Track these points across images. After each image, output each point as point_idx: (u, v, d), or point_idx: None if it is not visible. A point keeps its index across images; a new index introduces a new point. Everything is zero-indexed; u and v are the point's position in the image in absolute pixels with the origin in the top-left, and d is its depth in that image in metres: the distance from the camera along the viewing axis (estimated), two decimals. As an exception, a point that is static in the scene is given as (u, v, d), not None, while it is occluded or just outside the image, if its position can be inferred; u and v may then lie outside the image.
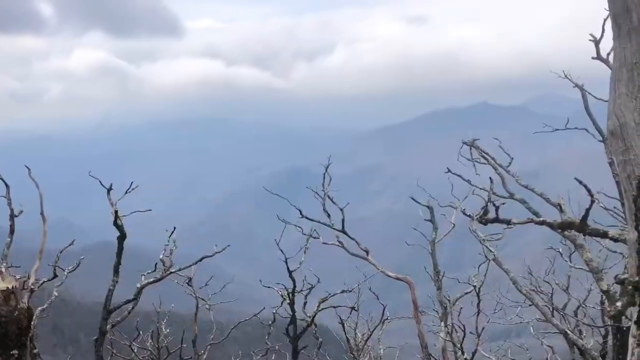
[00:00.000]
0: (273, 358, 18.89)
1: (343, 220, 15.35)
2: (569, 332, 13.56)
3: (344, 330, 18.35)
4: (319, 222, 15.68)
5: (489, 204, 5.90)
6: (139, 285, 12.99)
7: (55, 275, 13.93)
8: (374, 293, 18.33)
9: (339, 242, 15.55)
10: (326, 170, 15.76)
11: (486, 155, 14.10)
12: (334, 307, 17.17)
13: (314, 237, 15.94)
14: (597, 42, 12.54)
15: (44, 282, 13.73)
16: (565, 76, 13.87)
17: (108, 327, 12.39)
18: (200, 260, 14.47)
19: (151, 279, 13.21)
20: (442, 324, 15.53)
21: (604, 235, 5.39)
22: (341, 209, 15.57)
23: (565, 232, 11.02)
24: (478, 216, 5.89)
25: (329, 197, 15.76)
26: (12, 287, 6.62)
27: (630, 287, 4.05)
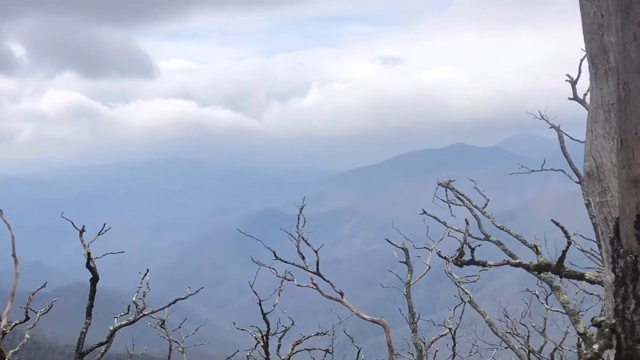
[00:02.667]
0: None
1: (317, 262, 15.27)
2: (544, 374, 13.50)
3: (319, 373, 18.19)
4: (293, 264, 15.59)
5: (464, 245, 5.85)
6: (111, 328, 12.82)
7: (27, 318, 13.74)
8: (348, 336, 18.24)
9: (313, 284, 15.45)
10: (300, 212, 15.70)
11: (462, 197, 14.13)
12: (309, 349, 17.02)
13: (288, 279, 15.83)
14: (573, 83, 12.62)
15: (15, 324, 13.52)
16: (542, 117, 13.95)
17: (79, 370, 12.18)
18: (174, 302, 14.33)
19: (124, 322, 13.04)
20: (418, 366, 15.42)
21: (581, 277, 5.36)
22: (315, 251, 15.50)
23: (542, 274, 11.01)
24: (453, 258, 5.84)
25: (303, 239, 15.69)
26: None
27: (607, 330, 3.99)
